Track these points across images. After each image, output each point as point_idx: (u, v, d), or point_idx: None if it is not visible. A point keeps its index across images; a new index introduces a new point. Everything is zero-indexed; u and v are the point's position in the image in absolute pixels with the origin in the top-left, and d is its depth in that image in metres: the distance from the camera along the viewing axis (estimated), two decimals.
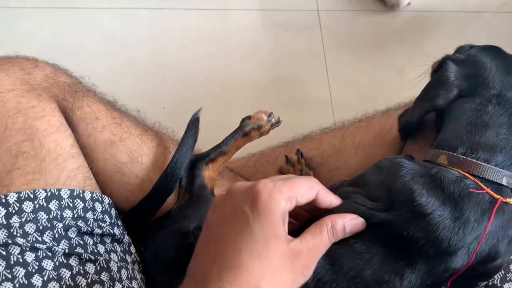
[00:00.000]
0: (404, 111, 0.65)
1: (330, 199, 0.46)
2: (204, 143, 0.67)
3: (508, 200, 0.46)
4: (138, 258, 0.57)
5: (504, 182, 0.47)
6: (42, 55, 0.62)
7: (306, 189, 0.44)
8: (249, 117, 0.66)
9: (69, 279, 0.47)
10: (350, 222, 0.45)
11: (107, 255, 0.52)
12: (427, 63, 0.67)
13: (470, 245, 0.44)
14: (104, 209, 0.55)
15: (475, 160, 0.48)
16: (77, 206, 0.51)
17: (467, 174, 0.47)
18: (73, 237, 0.50)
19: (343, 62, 1.19)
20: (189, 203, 0.60)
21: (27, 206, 0.48)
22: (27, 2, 1.19)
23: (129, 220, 0.59)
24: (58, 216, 0.49)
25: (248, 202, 0.41)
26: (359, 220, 0.45)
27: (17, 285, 0.44)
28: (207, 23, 1.23)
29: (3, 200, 0.48)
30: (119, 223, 0.57)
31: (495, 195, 0.46)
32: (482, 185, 0.46)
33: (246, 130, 0.64)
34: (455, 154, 0.49)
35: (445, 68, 0.57)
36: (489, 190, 0.46)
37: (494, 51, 0.60)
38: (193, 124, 0.64)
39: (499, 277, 0.52)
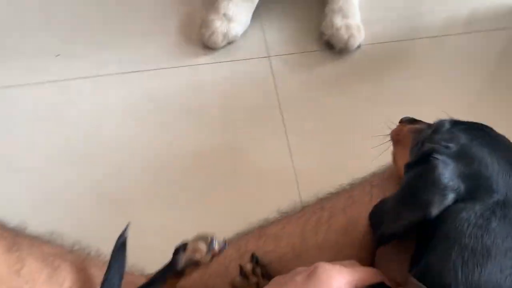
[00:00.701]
0: (376, 206, 0.54)
1: None
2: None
3: None
4: None
5: None
6: None
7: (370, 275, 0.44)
8: (184, 247, 0.53)
9: None
10: None
11: None
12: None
13: None
14: None
15: None
16: None
17: None
18: None
19: (302, 118, 1.07)
20: None
21: None
22: None
23: None
24: None
25: (303, 274, 0.43)
26: None
27: None
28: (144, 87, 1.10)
29: None
30: None
31: None
32: None
33: (179, 269, 0.52)
34: None
35: (435, 165, 0.45)
36: None
37: (484, 132, 0.48)
38: (118, 251, 0.53)
39: None
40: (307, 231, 0.63)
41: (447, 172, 0.43)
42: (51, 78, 1.09)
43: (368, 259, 0.57)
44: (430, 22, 1.24)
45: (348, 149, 0.99)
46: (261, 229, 0.66)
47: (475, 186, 0.42)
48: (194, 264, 0.52)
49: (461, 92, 1.11)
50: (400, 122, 0.64)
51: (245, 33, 1.19)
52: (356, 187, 0.66)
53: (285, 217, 0.67)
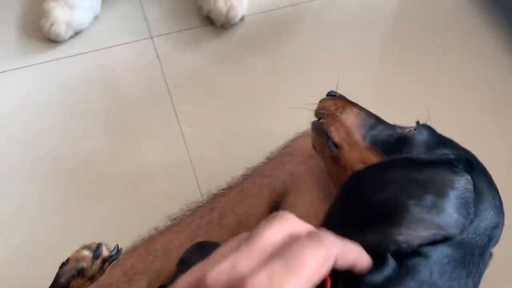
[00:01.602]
0: None
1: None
2: None
3: None
4: None
5: None
6: None
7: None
8: (68, 260, 0.48)
9: None
10: None
11: None
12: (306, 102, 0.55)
13: None
14: None
15: None
16: None
17: None
18: None
19: (195, 102, 0.98)
20: None
21: None
22: None
23: None
24: None
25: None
26: None
27: None
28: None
29: None
30: None
31: None
32: None
33: (61, 282, 0.46)
34: None
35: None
36: None
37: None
38: None
39: None
40: (199, 236, 0.57)
41: None
42: None
43: None
44: None
45: (249, 131, 0.93)
46: (149, 245, 0.59)
47: None
48: (80, 273, 0.46)
49: (358, 53, 1.08)
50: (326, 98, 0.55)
51: (124, 14, 1.09)
52: (247, 179, 0.60)
53: (175, 226, 0.60)
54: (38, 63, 1.00)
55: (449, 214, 0.38)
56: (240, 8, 1.02)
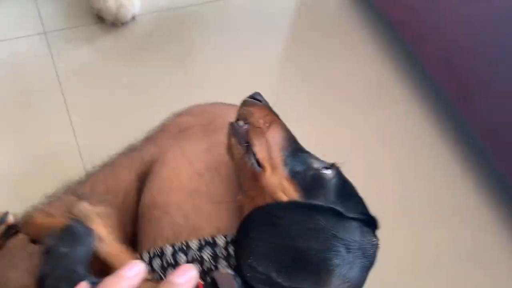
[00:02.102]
0: None
1: None
2: None
3: None
4: None
5: None
6: None
7: None
8: None
9: None
10: None
11: None
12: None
13: None
14: None
15: None
16: None
17: None
18: None
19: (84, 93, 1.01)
20: None
21: None
22: None
23: None
24: None
25: None
26: None
27: None
28: None
29: None
30: None
31: None
32: None
33: None
34: None
35: None
36: None
37: None
38: None
39: None
40: None
41: None
42: None
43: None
44: None
45: (137, 123, 0.96)
46: None
47: None
48: None
49: (249, 54, 1.15)
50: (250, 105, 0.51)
51: (18, 9, 1.09)
52: (120, 155, 0.64)
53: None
54: None
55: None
56: (130, 7, 1.06)
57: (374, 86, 1.16)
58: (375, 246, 0.43)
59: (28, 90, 0.99)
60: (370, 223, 0.44)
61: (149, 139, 0.64)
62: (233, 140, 0.49)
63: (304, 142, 0.50)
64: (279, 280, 0.39)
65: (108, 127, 0.96)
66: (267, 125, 0.48)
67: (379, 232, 0.45)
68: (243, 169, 0.47)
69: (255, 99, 0.50)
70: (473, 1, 0.97)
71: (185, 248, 0.49)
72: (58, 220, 0.47)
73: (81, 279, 0.37)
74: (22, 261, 0.57)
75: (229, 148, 0.50)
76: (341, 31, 1.24)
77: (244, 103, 0.50)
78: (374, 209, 0.46)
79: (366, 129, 1.07)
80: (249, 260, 0.41)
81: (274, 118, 0.49)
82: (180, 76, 1.07)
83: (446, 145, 1.07)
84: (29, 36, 1.08)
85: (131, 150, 0.63)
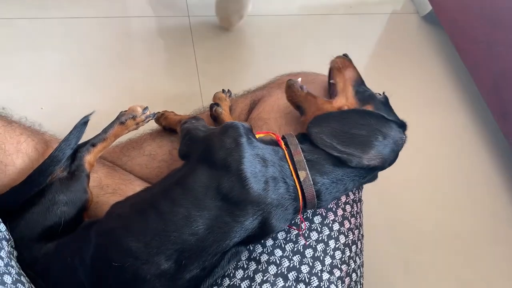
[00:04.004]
0: None
1: None
2: None
3: None
4: (9, 236, 0.61)
5: None
6: None
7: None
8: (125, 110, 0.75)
9: None
10: None
11: None
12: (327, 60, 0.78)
13: None
14: None
15: None
16: None
17: None
18: None
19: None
20: (63, 181, 0.67)
21: None
22: None
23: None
24: None
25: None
26: None
27: None
28: (86, 31, 1.32)
29: None
30: None
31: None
32: None
33: (122, 120, 0.74)
34: None
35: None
36: None
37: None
38: (81, 126, 0.69)
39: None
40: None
41: None
42: None
43: None
44: None
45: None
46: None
47: None
48: (133, 118, 0.74)
49: None
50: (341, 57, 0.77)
51: None
52: None
53: None
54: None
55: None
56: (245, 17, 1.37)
57: (436, 104, 1.40)
58: (403, 139, 0.67)
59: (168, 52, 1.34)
60: (402, 125, 0.68)
61: (261, 87, 0.92)
62: (296, 87, 0.74)
63: None
64: (338, 146, 0.63)
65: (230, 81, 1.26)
66: (345, 67, 0.75)
67: None
68: (307, 101, 0.73)
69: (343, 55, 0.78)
70: None
71: None
72: (183, 116, 0.80)
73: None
74: (167, 143, 0.85)
75: (290, 92, 0.75)
76: (415, 55, 1.49)
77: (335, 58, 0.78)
78: None
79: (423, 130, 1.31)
80: (320, 135, 0.65)
81: (349, 64, 0.76)
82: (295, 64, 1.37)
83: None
84: (175, 16, 1.43)
85: (248, 93, 0.92)
